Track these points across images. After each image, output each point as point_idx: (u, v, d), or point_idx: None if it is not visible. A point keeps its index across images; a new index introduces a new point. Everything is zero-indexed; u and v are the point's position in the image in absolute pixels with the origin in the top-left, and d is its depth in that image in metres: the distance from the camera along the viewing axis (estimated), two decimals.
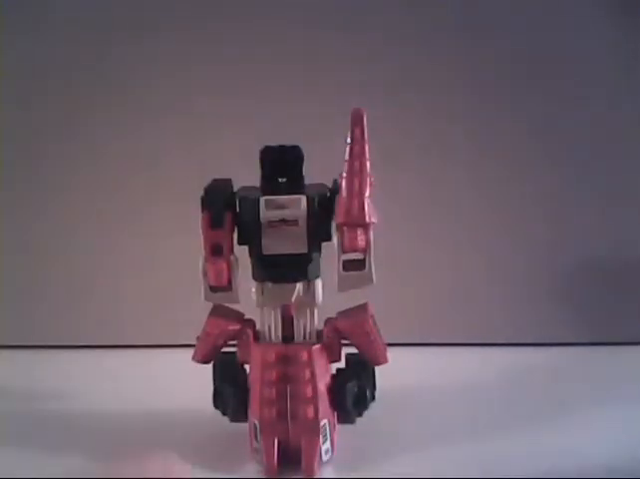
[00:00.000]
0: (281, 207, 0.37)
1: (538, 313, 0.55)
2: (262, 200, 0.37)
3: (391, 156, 0.52)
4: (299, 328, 0.39)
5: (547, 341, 0.55)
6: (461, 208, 0.54)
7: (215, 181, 0.39)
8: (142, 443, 0.42)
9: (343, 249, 0.37)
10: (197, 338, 0.40)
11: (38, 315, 0.56)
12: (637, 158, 0.54)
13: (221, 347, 0.40)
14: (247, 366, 0.40)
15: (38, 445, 0.42)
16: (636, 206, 0.54)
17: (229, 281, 0.37)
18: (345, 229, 0.36)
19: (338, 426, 0.40)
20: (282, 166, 0.39)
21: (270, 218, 0.37)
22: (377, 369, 0.40)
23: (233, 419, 0.40)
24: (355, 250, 0.36)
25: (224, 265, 0.37)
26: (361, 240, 0.36)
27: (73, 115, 0.53)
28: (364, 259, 0.37)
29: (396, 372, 0.41)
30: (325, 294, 0.39)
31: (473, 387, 0.49)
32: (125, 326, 0.56)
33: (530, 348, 0.55)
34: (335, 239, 0.37)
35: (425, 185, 0.54)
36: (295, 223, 0.37)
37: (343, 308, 0.40)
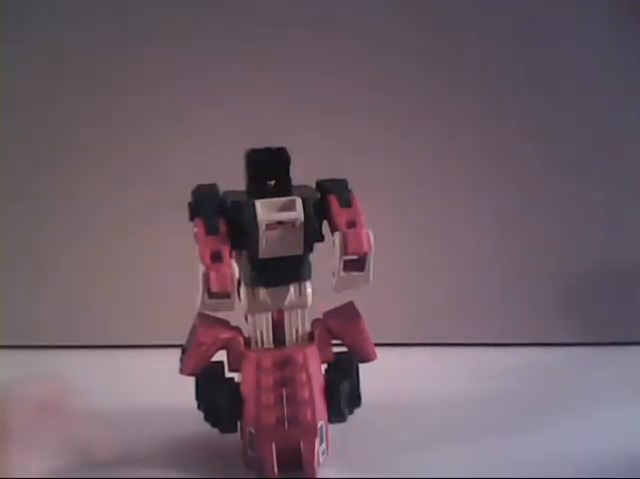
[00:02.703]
0: (278, 209, 0.36)
1: (538, 313, 0.55)
2: (258, 203, 0.36)
3: (390, 156, 0.52)
4: (291, 331, 0.39)
5: (547, 341, 0.55)
6: (462, 208, 0.54)
7: (201, 186, 0.38)
8: (141, 443, 0.42)
9: (346, 251, 0.36)
10: (183, 350, 0.40)
11: (38, 315, 0.56)
12: (638, 159, 0.54)
13: (211, 357, 0.39)
14: (235, 375, 0.39)
15: (38, 445, 0.42)
16: (637, 206, 0.54)
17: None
18: (345, 232, 0.36)
19: (330, 426, 0.40)
20: (270, 168, 0.38)
21: (268, 220, 0.36)
22: (377, 370, 0.40)
23: (225, 431, 0.39)
24: (359, 253, 0.36)
25: (228, 271, 0.35)
26: (366, 243, 0.36)
27: (71, 119, 0.53)
28: (363, 260, 0.36)
29: (395, 372, 0.41)
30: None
31: (472, 387, 0.49)
32: (124, 326, 0.56)
33: (530, 348, 0.55)
34: (337, 240, 0.37)
35: (425, 184, 0.54)
36: (292, 225, 0.36)
37: (320, 309, 0.40)
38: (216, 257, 0.35)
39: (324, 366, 0.40)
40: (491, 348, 0.55)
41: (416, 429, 0.43)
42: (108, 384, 0.50)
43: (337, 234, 0.36)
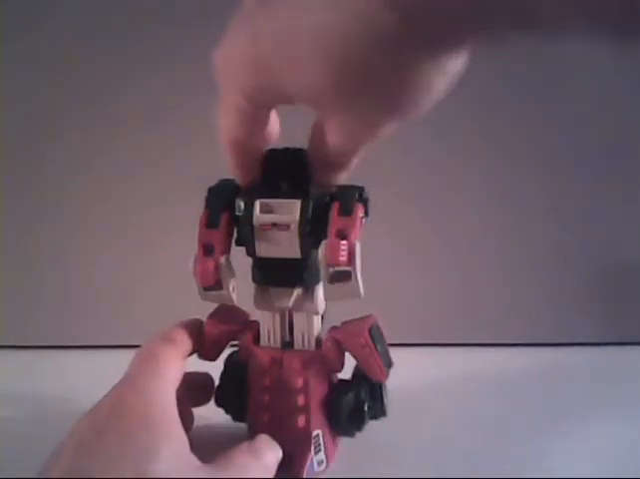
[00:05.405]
0: (274, 210, 0.36)
1: (539, 314, 0.55)
2: (257, 202, 0.36)
3: (396, 154, 0.52)
4: (298, 335, 0.39)
5: (548, 342, 0.55)
6: (468, 208, 0.54)
7: (221, 181, 0.39)
8: None
9: (326, 262, 0.35)
10: None
11: (38, 315, 0.56)
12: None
13: (224, 347, 0.40)
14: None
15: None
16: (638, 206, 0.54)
17: (217, 282, 0.37)
18: (328, 242, 0.35)
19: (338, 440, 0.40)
20: (285, 168, 0.38)
21: (262, 221, 0.36)
22: None
23: (235, 418, 0.40)
24: (337, 264, 0.35)
25: (212, 266, 0.36)
26: (342, 255, 0.35)
27: (72, 115, 0.53)
28: (348, 272, 0.35)
29: (395, 373, 0.40)
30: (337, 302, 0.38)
31: (472, 387, 0.49)
32: (125, 326, 0.56)
33: (532, 348, 0.55)
34: (320, 250, 0.36)
35: (430, 183, 0.54)
36: (286, 227, 0.36)
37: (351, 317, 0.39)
38: (209, 251, 0.37)
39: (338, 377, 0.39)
40: (491, 348, 0.55)
41: (415, 429, 0.44)
42: (108, 384, 0.50)
43: (323, 242, 0.36)
